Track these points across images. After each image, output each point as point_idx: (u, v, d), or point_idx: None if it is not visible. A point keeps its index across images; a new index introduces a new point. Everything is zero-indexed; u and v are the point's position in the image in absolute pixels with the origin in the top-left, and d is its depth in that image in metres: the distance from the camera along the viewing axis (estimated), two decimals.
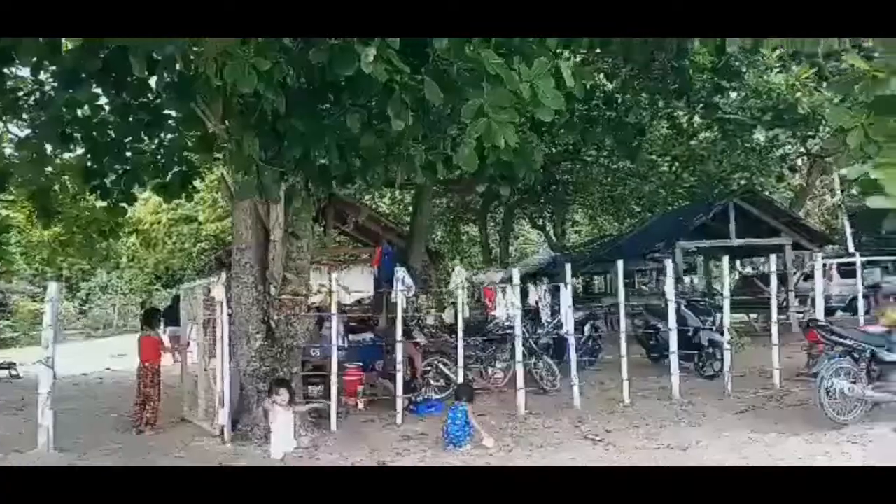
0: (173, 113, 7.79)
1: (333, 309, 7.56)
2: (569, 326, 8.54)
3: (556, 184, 21.95)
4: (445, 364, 8.87)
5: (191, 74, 6.58)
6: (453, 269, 9.90)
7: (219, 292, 7.07)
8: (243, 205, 7.22)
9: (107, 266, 22.98)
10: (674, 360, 8.45)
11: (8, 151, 9.53)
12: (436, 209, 23.09)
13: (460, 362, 7.85)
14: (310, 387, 8.17)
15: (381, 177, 6.98)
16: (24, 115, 9.09)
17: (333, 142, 6.24)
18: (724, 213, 15.86)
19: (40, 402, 7.29)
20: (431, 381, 8.81)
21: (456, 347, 8.06)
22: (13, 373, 14.11)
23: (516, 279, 8.34)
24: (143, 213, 21.22)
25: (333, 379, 7.46)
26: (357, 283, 13.21)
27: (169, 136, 8.51)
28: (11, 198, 12.62)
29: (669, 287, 8.59)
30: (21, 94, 8.13)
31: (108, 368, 15.43)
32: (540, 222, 28.37)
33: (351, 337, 10.17)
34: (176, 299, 20.22)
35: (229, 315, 7.15)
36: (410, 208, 20.43)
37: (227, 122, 6.55)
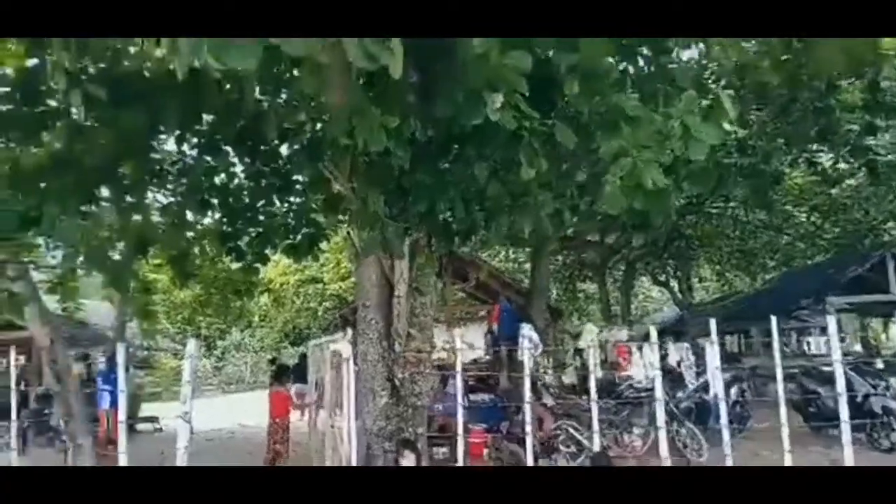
0: (301, 178, 8.16)
1: (458, 367, 7.30)
2: (717, 389, 7.72)
3: (680, 238, 20.77)
4: (576, 428, 8.26)
5: (320, 136, 6.84)
6: (583, 327, 9.39)
7: (345, 349, 7.05)
8: (368, 261, 7.27)
9: (240, 325, 24.34)
10: (846, 430, 7.33)
11: (155, 219, 10.35)
12: (551, 266, 22.60)
13: (595, 426, 7.24)
14: (434, 448, 7.88)
15: (505, 227, 6.79)
16: (168, 185, 9.90)
17: (458, 195, 6.16)
18: (881, 264, 14.19)
19: (178, 456, 7.50)
20: (561, 447, 8.22)
21: (586, 410, 7.50)
22: (156, 426, 14.94)
23: (654, 337, 7.69)
24: (273, 275, 22.43)
25: (460, 441, 7.13)
26: (474, 341, 12.96)
27: (297, 199, 8.93)
28: (158, 261, 13.66)
29: (835, 346, 7.56)
30: (166, 164, 8.81)
31: (240, 424, 15.93)
32: (663, 278, 26.89)
33: (471, 397, 9.84)
34: (302, 357, 20.94)
35: (355, 372, 7.09)
36: (524, 267, 20.06)
37: (353, 180, 6.68)
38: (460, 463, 7.08)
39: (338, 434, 7.59)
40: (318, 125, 7.04)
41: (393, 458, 6.90)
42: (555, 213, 6.08)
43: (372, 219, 6.13)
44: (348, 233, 7.90)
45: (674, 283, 26.36)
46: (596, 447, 7.11)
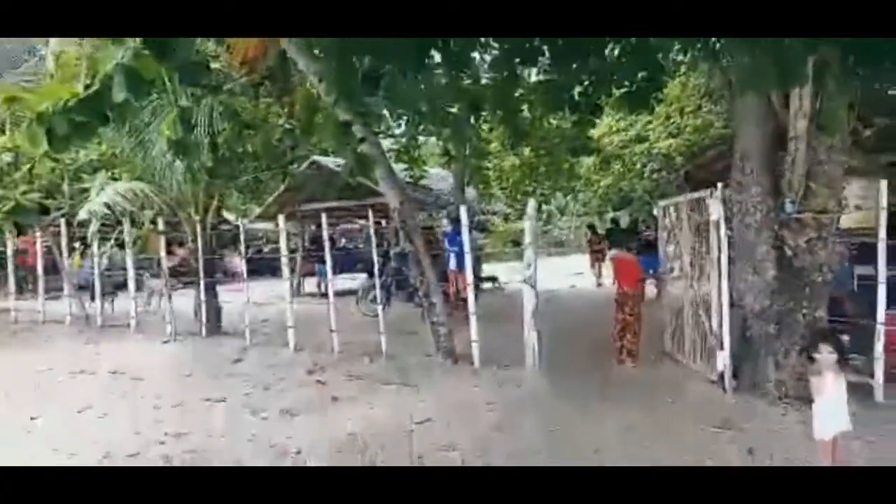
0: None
1: (881, 232, 5.35)
2: None
3: None
4: None
5: None
6: None
7: (715, 209, 5.72)
8: (749, 97, 5.54)
9: (565, 189, 24.07)
10: None
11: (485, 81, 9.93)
12: None
13: None
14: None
15: None
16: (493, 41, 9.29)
17: None
18: None
19: (525, 320, 7.36)
20: None
21: None
22: (496, 285, 15.65)
23: None
24: (596, 135, 21.29)
25: (880, 329, 5.38)
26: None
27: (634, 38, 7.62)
28: (489, 126, 13.60)
29: None
30: None
31: (572, 286, 15.91)
32: None
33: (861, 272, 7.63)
34: (614, 221, 20.17)
35: (727, 237, 5.74)
36: None
37: None
38: (879, 357, 5.36)
39: (702, 308, 6.47)
40: None
41: (782, 347, 5.56)
42: None
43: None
44: (716, 61, 6.18)
45: None
46: None
